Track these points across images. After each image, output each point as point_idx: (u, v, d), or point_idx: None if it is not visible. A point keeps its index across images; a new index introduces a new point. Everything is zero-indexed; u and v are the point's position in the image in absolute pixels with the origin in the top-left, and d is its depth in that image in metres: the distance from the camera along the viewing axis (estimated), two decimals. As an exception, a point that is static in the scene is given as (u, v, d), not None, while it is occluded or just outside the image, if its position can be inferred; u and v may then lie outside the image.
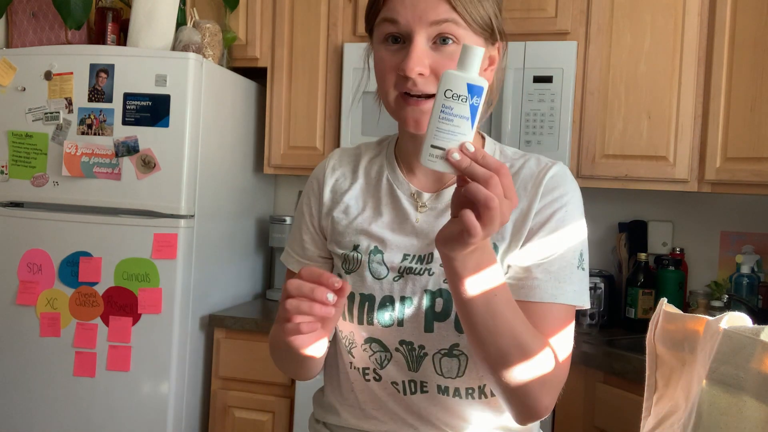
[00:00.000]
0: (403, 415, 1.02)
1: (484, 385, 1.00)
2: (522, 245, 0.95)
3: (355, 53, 2.38)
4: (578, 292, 0.95)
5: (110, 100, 2.18)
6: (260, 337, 2.24)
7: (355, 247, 1.01)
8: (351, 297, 1.00)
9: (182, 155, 2.16)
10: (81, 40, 2.50)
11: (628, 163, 2.21)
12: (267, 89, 2.56)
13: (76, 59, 2.21)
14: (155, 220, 2.16)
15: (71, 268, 2.19)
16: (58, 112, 2.22)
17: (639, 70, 2.19)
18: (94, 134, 2.19)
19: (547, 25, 2.24)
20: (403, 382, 1.00)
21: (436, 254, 0.97)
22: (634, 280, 2.34)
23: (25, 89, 2.24)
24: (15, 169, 2.26)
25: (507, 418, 1.01)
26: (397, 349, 0.99)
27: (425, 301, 0.96)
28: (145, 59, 2.17)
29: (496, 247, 0.95)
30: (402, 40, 0.92)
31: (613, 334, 2.24)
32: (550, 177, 0.96)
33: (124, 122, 2.17)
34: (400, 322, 0.97)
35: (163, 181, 2.16)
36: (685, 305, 2.36)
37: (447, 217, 0.96)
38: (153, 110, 2.15)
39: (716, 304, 2.24)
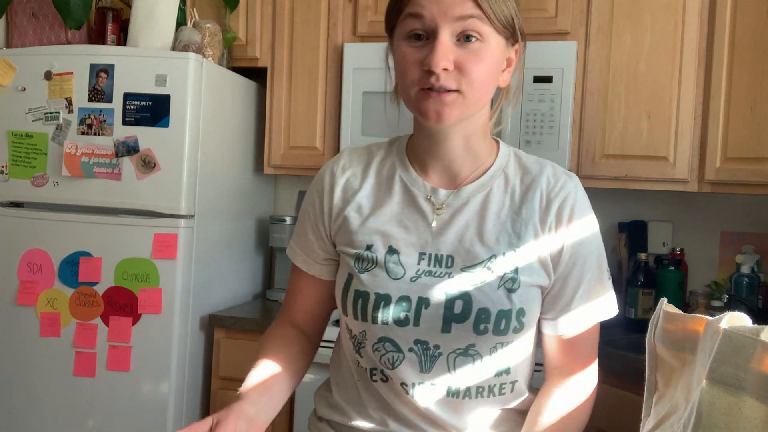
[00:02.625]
0: (410, 416, 1.01)
1: (494, 385, 1.01)
2: (553, 285, 1.01)
3: (355, 53, 2.38)
4: (608, 303, 1.03)
5: (110, 100, 2.18)
6: (260, 337, 2.23)
7: (369, 247, 1.01)
8: (365, 296, 0.99)
9: (182, 155, 2.16)
10: (81, 40, 2.50)
11: (628, 163, 2.21)
12: (267, 89, 2.56)
13: (76, 59, 2.21)
14: (155, 220, 2.16)
15: (71, 268, 2.19)
16: (58, 112, 2.22)
17: (639, 70, 2.19)
18: (94, 134, 2.19)
19: (547, 25, 2.24)
20: (413, 384, 0.99)
21: (456, 257, 0.98)
22: (634, 280, 2.33)
23: (25, 89, 2.24)
24: (15, 169, 2.26)
25: (512, 414, 1.04)
26: (410, 349, 0.99)
27: (444, 302, 0.96)
28: (145, 59, 2.17)
29: (516, 256, 0.98)
30: (426, 37, 0.93)
31: (612, 334, 2.24)
32: (570, 206, 1.01)
33: (124, 122, 2.17)
34: (416, 322, 0.97)
35: (163, 181, 2.15)
36: (685, 305, 2.36)
37: (464, 214, 1.00)
38: (153, 110, 2.15)
39: (716, 304, 2.24)
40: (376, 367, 1.02)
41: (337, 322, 1.15)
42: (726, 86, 2.08)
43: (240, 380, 2.40)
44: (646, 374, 0.81)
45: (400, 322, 0.97)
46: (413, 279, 0.98)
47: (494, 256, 0.97)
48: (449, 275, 0.97)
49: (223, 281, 2.45)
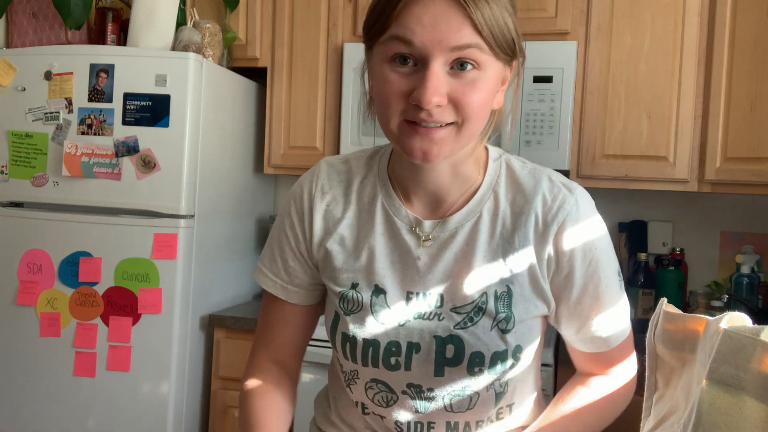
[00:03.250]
0: None
1: (492, 414, 0.97)
2: (563, 305, 0.94)
3: (355, 53, 2.38)
4: (627, 314, 0.99)
5: (110, 100, 2.18)
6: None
7: (354, 286, 0.94)
8: (353, 340, 0.93)
9: (182, 155, 2.16)
10: (81, 40, 2.50)
11: (628, 163, 2.21)
12: (267, 89, 2.56)
13: (76, 59, 2.21)
14: (155, 220, 2.16)
15: (71, 268, 2.19)
16: (58, 112, 2.22)
17: (639, 70, 2.19)
18: (94, 134, 2.19)
19: (547, 25, 2.24)
20: (409, 423, 0.96)
21: (446, 296, 0.91)
22: (634, 280, 2.33)
23: (25, 89, 2.24)
24: (15, 169, 2.26)
25: None
26: (404, 392, 0.94)
27: (435, 347, 0.91)
28: (145, 59, 2.17)
29: (510, 292, 0.91)
30: (413, 62, 0.80)
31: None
32: (571, 226, 0.90)
33: (124, 122, 2.17)
34: (408, 367, 0.92)
35: (163, 181, 2.15)
36: (685, 305, 2.36)
37: (452, 247, 0.91)
38: (153, 110, 2.15)
39: (716, 304, 2.24)
40: (367, 402, 0.98)
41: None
42: (726, 86, 2.08)
43: (240, 380, 2.39)
44: (646, 374, 0.81)
45: (390, 367, 0.92)
46: (402, 323, 0.92)
47: (485, 294, 0.90)
48: (439, 317, 0.91)
49: (223, 281, 2.45)
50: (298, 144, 2.52)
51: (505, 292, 0.90)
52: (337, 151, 2.45)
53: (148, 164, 2.16)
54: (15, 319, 2.24)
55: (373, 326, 0.92)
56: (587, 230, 0.92)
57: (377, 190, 0.96)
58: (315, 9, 2.48)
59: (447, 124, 0.81)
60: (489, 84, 0.82)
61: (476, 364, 0.90)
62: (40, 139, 2.23)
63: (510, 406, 0.98)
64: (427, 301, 0.91)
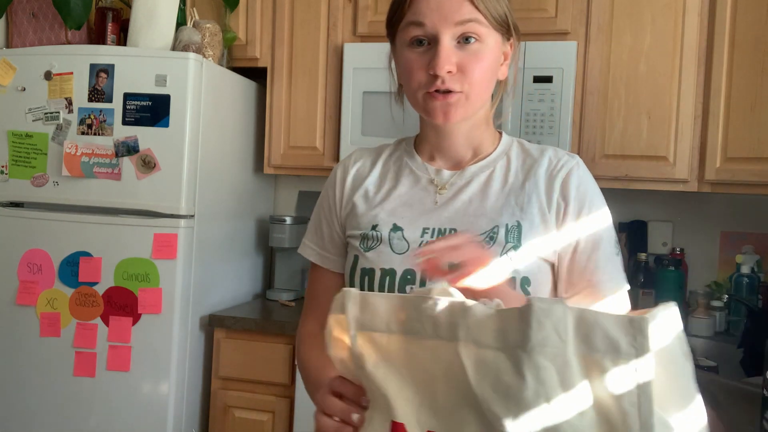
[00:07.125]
0: None
1: None
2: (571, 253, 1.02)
3: (355, 53, 2.38)
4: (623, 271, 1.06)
5: (110, 100, 2.18)
6: (260, 337, 2.24)
7: (374, 227, 1.06)
8: (371, 273, 1.03)
9: (182, 155, 2.16)
10: (81, 40, 2.50)
11: (628, 163, 2.21)
12: (267, 89, 2.56)
13: (76, 59, 2.21)
14: (155, 220, 2.16)
15: (71, 268, 2.19)
16: (58, 112, 2.22)
17: (639, 70, 2.19)
18: (94, 134, 2.19)
19: (547, 25, 2.24)
20: None
21: (459, 230, 1.02)
22: (634, 280, 2.34)
23: (25, 89, 2.24)
24: (15, 169, 2.26)
25: None
26: None
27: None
28: (145, 59, 2.17)
29: (520, 226, 1.00)
30: (428, 42, 0.98)
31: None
32: (576, 179, 1.06)
33: (124, 122, 2.17)
34: None
35: (163, 181, 2.15)
36: (685, 305, 2.36)
37: (467, 191, 1.04)
38: (153, 110, 2.15)
39: (716, 304, 2.24)
40: None
41: None
42: (726, 86, 2.08)
43: (240, 380, 2.38)
44: None
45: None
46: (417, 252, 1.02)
47: (497, 227, 1.00)
48: None
49: (223, 281, 2.45)
50: (298, 144, 2.52)
51: (515, 225, 1.00)
52: (337, 151, 2.45)
53: (148, 164, 2.16)
54: (15, 319, 2.24)
55: (390, 257, 1.02)
56: (589, 185, 1.07)
57: (403, 157, 1.12)
58: (315, 9, 2.48)
59: (457, 92, 0.97)
60: (491, 54, 1.00)
61: None
62: (40, 139, 2.23)
63: None
64: (442, 233, 1.02)
